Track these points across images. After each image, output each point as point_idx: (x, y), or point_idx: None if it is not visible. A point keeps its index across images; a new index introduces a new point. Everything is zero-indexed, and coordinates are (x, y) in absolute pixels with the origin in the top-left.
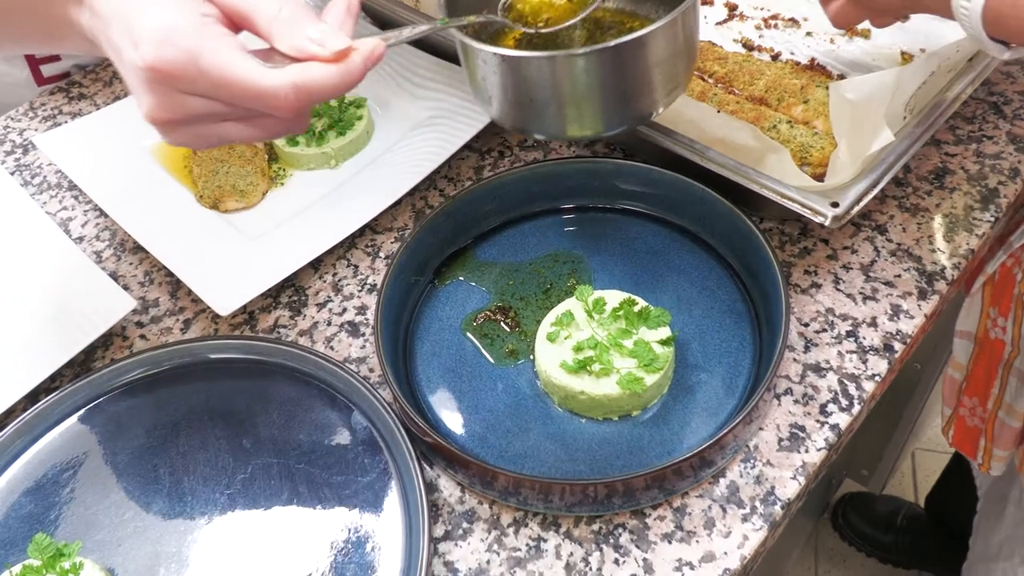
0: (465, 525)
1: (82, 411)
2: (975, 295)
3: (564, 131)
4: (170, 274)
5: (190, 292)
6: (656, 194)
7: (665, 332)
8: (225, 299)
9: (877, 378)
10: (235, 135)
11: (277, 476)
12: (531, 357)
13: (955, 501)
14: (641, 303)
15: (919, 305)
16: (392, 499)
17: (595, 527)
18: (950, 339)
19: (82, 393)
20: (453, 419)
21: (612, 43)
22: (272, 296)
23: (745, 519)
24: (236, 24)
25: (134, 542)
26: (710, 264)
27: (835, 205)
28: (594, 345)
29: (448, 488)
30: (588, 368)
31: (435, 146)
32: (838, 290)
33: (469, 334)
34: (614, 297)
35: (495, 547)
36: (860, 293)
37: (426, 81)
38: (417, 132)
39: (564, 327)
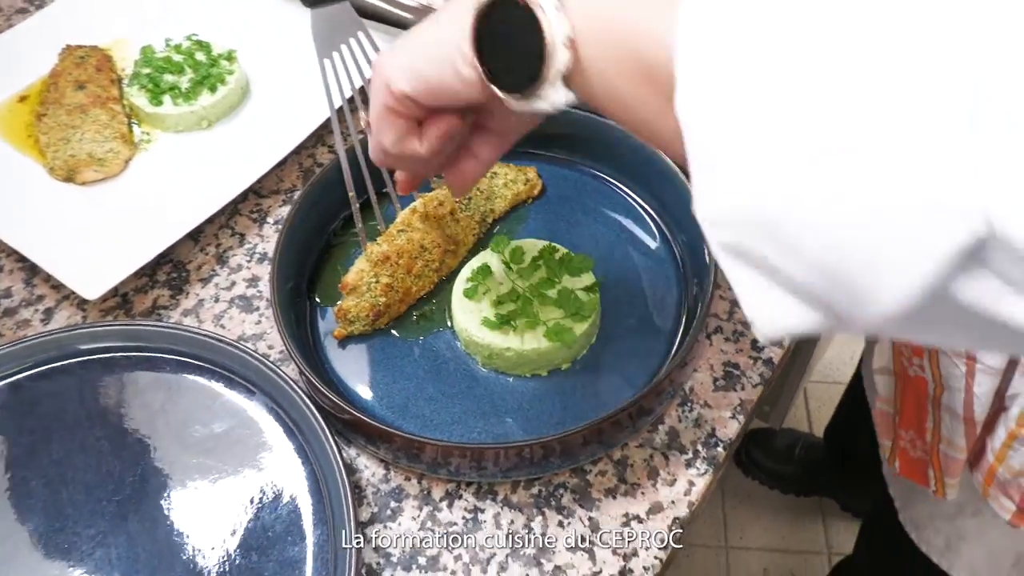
0: (393, 504)
1: None
2: (884, 338)
3: None
4: (22, 258)
5: (49, 277)
6: (567, 136)
7: (589, 279)
8: (92, 281)
9: None
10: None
11: (172, 475)
12: (448, 317)
13: (852, 430)
14: (562, 250)
15: None
16: (309, 485)
17: (534, 490)
18: None
19: None
20: (368, 392)
21: None
22: (147, 275)
23: (689, 464)
24: None
25: (6, 570)
26: (627, 207)
27: None
28: (516, 298)
29: (370, 467)
30: (512, 323)
31: (319, 100)
32: None
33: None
34: (533, 246)
35: (429, 524)
36: None
37: (302, 30)
38: (299, 85)
39: (481, 282)
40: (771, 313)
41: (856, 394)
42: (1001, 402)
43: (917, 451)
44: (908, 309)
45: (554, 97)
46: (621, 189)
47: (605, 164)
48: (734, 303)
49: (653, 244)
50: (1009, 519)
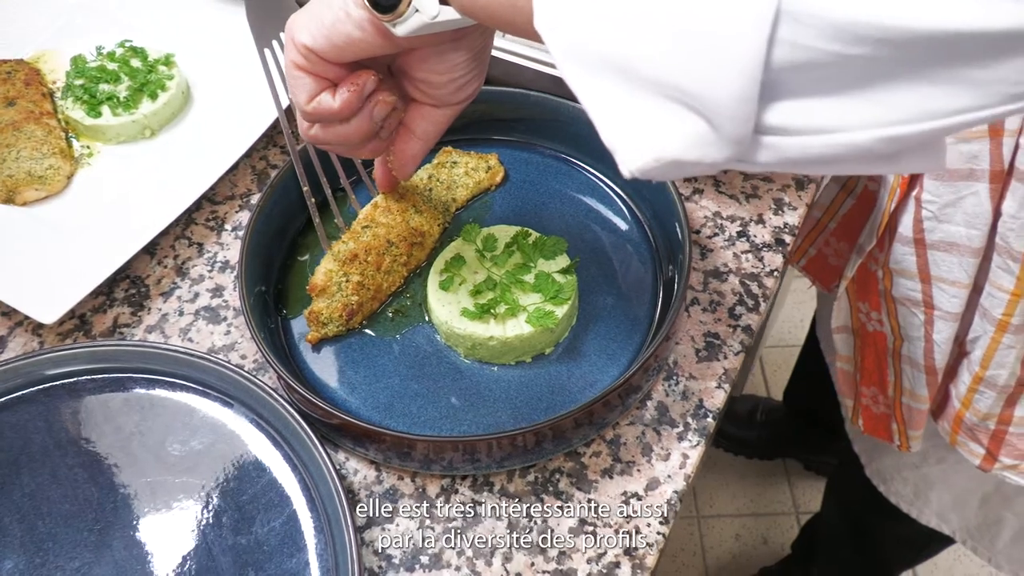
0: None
1: None
2: (841, 297)
3: None
4: None
5: None
6: (526, 119)
7: (564, 260)
8: (47, 305)
9: (776, 273)
10: None
11: (155, 497)
12: (425, 311)
13: (811, 390)
14: (535, 234)
15: (799, 196)
16: (301, 494)
17: (530, 478)
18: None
19: None
20: (350, 394)
21: None
22: (104, 293)
23: (681, 438)
24: None
25: None
26: (591, 186)
27: None
28: (493, 286)
29: (361, 470)
30: (493, 311)
31: (267, 100)
32: (720, 192)
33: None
34: (505, 232)
35: (428, 522)
36: (742, 192)
37: (239, 26)
38: (242, 85)
39: (456, 272)
40: (633, 130)
41: (812, 355)
42: (962, 348)
43: (879, 407)
44: (752, 70)
45: (428, 6)
46: (584, 168)
47: (566, 145)
48: (706, 273)
49: (621, 221)
50: (979, 464)
